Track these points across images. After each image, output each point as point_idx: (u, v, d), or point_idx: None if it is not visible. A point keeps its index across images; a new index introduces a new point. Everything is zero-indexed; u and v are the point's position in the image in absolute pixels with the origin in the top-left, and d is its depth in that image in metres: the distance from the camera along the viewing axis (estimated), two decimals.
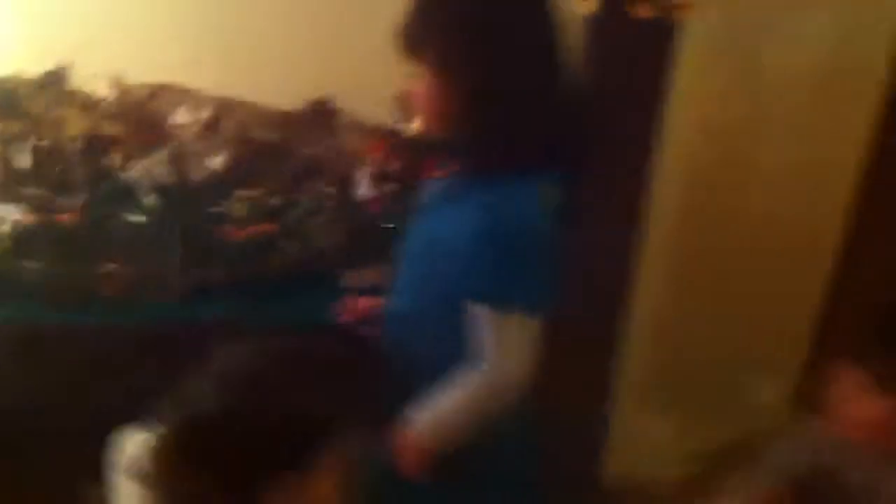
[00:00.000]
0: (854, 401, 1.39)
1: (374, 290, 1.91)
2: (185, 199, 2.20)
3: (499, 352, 1.47)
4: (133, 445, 1.22)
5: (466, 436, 1.52)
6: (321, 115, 2.40)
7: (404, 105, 2.14)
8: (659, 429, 2.22)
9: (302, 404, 1.14)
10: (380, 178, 2.22)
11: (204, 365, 1.16)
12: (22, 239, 2.00)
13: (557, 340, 1.75)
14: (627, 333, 2.10)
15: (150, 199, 2.18)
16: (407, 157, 2.24)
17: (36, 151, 2.26)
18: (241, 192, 2.22)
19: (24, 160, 2.25)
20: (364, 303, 1.93)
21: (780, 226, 2.17)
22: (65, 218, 2.07)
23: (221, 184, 2.26)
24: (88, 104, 2.38)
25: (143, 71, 2.39)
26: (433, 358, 1.55)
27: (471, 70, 1.42)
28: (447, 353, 1.52)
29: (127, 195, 2.21)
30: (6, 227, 2.01)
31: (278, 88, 2.40)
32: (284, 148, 2.37)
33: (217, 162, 2.27)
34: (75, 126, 2.33)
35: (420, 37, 1.45)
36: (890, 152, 2.09)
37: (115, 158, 2.30)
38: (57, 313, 1.88)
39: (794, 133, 2.10)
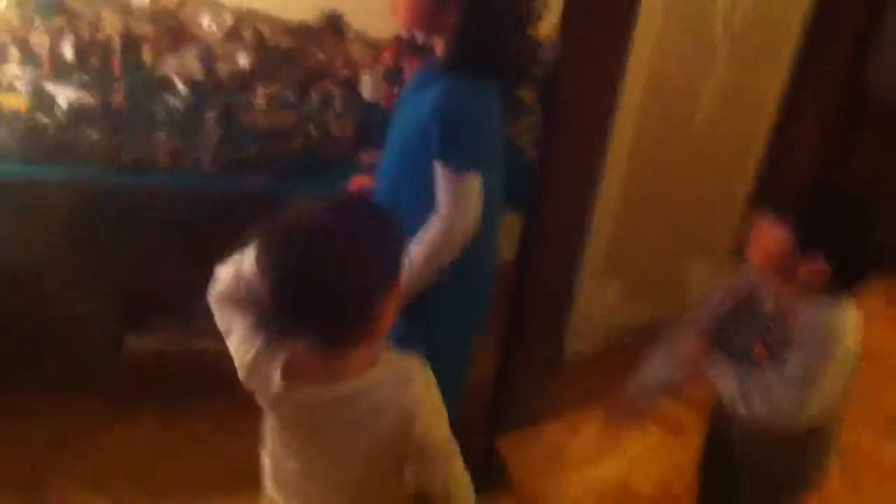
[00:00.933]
0: (759, 236, 1.70)
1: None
2: (213, 90, 2.52)
3: (450, 202, 1.85)
4: (226, 275, 1.47)
5: (429, 279, 1.90)
6: (332, 26, 2.73)
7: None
8: (614, 302, 2.63)
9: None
10: (386, 77, 2.57)
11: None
12: (76, 113, 2.30)
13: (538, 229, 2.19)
14: (595, 224, 2.48)
15: (183, 90, 2.49)
16: (407, 60, 2.59)
17: (77, 45, 2.55)
18: (262, 88, 2.55)
19: (67, 52, 2.54)
20: (365, 179, 2.28)
21: (716, 140, 2.57)
22: (112, 99, 2.38)
23: (244, 80, 2.58)
24: (123, 7, 2.67)
25: None
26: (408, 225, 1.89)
27: None
28: (419, 220, 1.90)
29: (161, 86, 2.52)
30: (62, 102, 2.32)
31: (294, 2, 2.73)
32: (299, 53, 2.70)
33: (241, 60, 2.59)
34: (111, 25, 2.62)
35: None
36: (803, 79, 2.52)
37: (148, 54, 2.60)
38: (114, 175, 2.20)
39: (729, 66, 2.49)
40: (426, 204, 1.89)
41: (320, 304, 1.29)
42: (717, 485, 2.09)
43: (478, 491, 2.39)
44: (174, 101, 2.43)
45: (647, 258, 2.62)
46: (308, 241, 1.27)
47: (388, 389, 1.41)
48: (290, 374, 1.39)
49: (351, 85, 2.64)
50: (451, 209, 1.86)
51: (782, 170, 2.68)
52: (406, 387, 1.41)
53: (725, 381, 1.77)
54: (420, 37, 2.05)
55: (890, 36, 3.27)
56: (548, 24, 2.41)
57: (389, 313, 1.38)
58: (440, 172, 1.85)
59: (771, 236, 1.67)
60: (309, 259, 1.26)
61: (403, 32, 2.56)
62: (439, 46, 1.93)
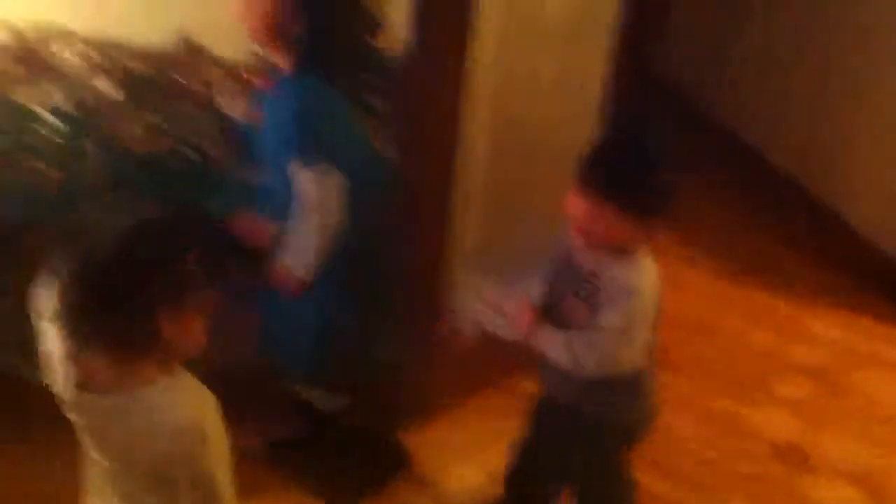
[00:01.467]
0: (571, 205, 1.89)
1: None
2: (84, 121, 2.53)
3: (310, 195, 2.09)
4: (47, 293, 1.45)
5: (317, 259, 2.16)
6: (189, 51, 2.80)
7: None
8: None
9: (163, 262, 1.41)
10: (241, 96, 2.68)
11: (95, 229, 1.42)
12: None
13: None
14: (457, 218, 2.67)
15: (52, 123, 2.49)
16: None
17: None
18: (133, 114, 2.58)
19: None
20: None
21: (557, 125, 2.83)
22: None
23: (113, 109, 2.60)
24: None
25: (26, 15, 2.68)
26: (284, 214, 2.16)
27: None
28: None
29: (28, 119, 2.51)
30: None
31: (149, 29, 2.77)
32: (160, 80, 2.75)
33: (110, 89, 2.61)
34: None
35: None
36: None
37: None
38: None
39: (562, 51, 2.76)
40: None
41: (100, 308, 1.38)
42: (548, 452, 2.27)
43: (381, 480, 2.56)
44: (48, 134, 2.44)
45: (513, 252, 2.84)
46: (97, 250, 1.37)
47: (167, 410, 1.45)
48: (81, 379, 1.45)
49: (214, 106, 2.72)
50: (312, 200, 2.10)
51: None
52: (186, 411, 1.46)
53: (552, 346, 1.98)
54: (266, 52, 2.23)
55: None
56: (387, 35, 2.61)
57: (183, 333, 1.44)
58: (297, 168, 2.08)
59: (588, 209, 1.86)
60: (94, 265, 1.37)
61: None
62: (282, 57, 2.13)
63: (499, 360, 2.94)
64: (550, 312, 2.03)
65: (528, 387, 2.94)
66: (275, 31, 2.08)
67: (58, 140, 2.44)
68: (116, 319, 1.38)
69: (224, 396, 1.52)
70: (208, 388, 1.51)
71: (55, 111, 2.51)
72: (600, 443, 2.13)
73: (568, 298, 1.99)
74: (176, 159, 2.46)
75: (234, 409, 1.53)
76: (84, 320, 1.39)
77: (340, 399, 2.54)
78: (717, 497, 2.73)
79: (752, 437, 2.97)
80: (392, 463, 2.63)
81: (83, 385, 1.45)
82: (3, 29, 2.64)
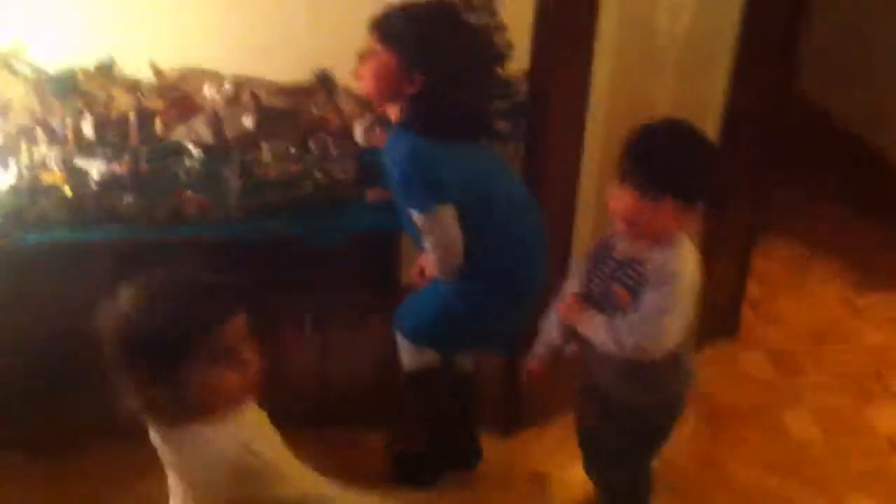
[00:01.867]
0: (612, 198, 1.98)
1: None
2: (224, 150, 2.79)
3: (426, 237, 2.25)
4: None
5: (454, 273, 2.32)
6: (322, 84, 3.02)
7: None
8: None
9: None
10: (378, 124, 2.86)
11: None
12: (107, 181, 2.56)
13: None
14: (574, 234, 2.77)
15: (196, 153, 2.76)
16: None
17: (96, 124, 2.82)
18: (266, 145, 2.82)
19: (88, 130, 2.80)
20: None
21: None
22: (136, 166, 2.64)
23: (249, 139, 2.85)
24: (132, 85, 2.94)
25: (173, 58, 2.97)
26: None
27: (414, 66, 2.16)
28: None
29: (176, 151, 2.79)
30: (94, 175, 2.58)
31: (284, 65, 3.02)
32: (294, 111, 2.98)
33: (245, 122, 2.87)
34: (124, 102, 2.89)
35: (390, 29, 2.18)
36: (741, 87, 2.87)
37: (159, 125, 2.87)
38: (150, 232, 2.46)
39: (676, 76, 2.81)
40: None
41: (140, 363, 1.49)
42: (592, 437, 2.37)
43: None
44: (191, 163, 2.70)
45: None
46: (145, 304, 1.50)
47: (213, 444, 1.53)
48: (147, 408, 1.52)
49: (345, 134, 2.92)
50: (431, 243, 2.25)
51: (735, 170, 3.00)
52: (231, 445, 1.53)
53: (596, 329, 2.04)
54: (377, 103, 2.41)
55: (817, 44, 3.66)
56: (518, 60, 2.73)
57: (223, 384, 1.49)
58: (413, 216, 2.23)
59: (618, 197, 1.96)
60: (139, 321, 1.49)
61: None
62: (393, 112, 2.28)
63: None
64: (594, 301, 2.10)
65: None
66: (389, 92, 2.24)
67: (200, 170, 2.69)
68: (156, 375, 1.47)
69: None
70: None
71: (198, 143, 2.78)
72: (636, 424, 2.21)
73: (611, 287, 2.05)
74: (305, 183, 2.65)
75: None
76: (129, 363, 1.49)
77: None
78: (833, 493, 2.69)
79: (869, 433, 2.91)
80: (464, 458, 2.75)
81: (151, 415, 1.56)
82: (151, 69, 2.93)
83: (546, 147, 2.56)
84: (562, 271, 2.71)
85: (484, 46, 2.59)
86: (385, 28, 2.19)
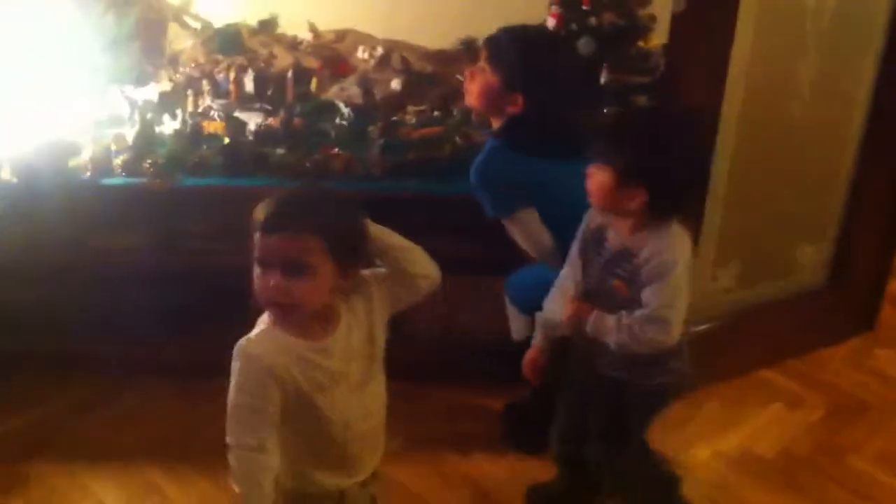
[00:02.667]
0: (591, 178, 1.92)
1: None
2: (371, 110, 2.93)
3: (514, 235, 2.32)
4: None
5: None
6: (467, 51, 3.11)
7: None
8: (728, 286, 2.90)
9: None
10: None
11: None
12: (263, 134, 2.74)
13: None
14: (706, 212, 2.76)
15: (346, 112, 2.91)
16: None
17: (256, 79, 3.00)
18: (412, 107, 2.95)
19: (249, 85, 2.99)
20: None
21: (814, 130, 2.82)
22: (294, 123, 2.81)
23: (396, 100, 2.98)
24: (291, 44, 3.11)
25: (330, 20, 3.13)
26: None
27: (515, 88, 2.22)
28: None
29: (328, 109, 2.95)
30: (251, 126, 2.76)
31: (433, 31, 3.13)
32: (440, 75, 3.09)
33: (393, 84, 2.99)
34: (283, 60, 3.07)
35: (496, 50, 2.27)
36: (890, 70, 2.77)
37: (314, 84, 3.04)
38: (299, 181, 2.61)
39: (819, 60, 2.74)
40: None
41: None
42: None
43: None
44: (341, 121, 2.85)
45: (756, 244, 2.88)
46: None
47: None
48: None
49: None
50: (519, 240, 2.33)
51: (878, 158, 2.92)
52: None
53: (608, 331, 1.98)
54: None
55: None
56: (658, 34, 2.74)
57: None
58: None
59: (598, 178, 1.90)
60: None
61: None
62: (496, 123, 2.35)
63: (743, 349, 3.01)
64: (592, 298, 2.07)
65: (770, 378, 3.03)
66: (493, 107, 2.32)
67: (349, 128, 2.83)
68: None
69: None
70: None
71: (348, 102, 2.92)
72: (641, 407, 2.19)
73: (608, 281, 2.02)
74: (445, 145, 2.75)
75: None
76: None
77: None
78: None
79: None
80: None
81: None
82: (307, 29, 3.09)
83: None
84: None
85: (586, 74, 2.62)
86: (492, 48, 2.29)
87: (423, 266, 1.73)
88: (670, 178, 1.88)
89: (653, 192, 1.86)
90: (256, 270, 1.57)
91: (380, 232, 1.68)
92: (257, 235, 1.56)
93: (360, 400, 1.72)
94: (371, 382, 1.73)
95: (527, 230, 2.31)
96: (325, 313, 1.63)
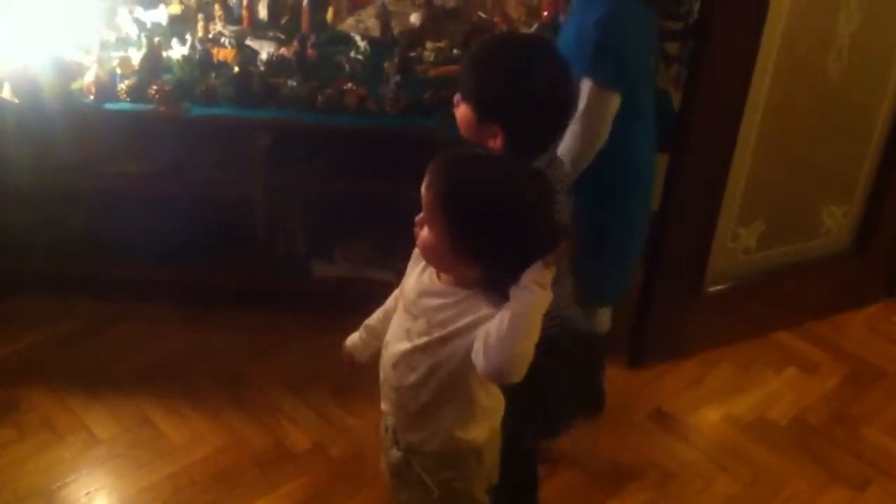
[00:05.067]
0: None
1: None
2: (389, 45, 2.81)
3: (586, 111, 2.08)
4: None
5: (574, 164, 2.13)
6: None
7: None
8: (750, 245, 2.81)
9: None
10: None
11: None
12: (276, 64, 2.63)
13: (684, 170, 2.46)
14: (732, 168, 2.65)
15: (362, 45, 2.79)
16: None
17: (270, 6, 2.88)
18: (430, 44, 2.82)
19: (262, 12, 2.88)
20: None
21: (850, 87, 2.69)
22: (308, 54, 2.69)
23: (415, 36, 2.86)
24: None
25: None
26: None
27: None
28: None
29: (343, 41, 2.83)
30: (263, 56, 2.65)
31: None
32: (462, 11, 2.96)
33: (412, 18, 2.87)
34: None
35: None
36: None
37: (331, 14, 2.91)
38: (310, 116, 2.52)
39: (860, 14, 2.61)
40: None
41: None
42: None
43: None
44: (356, 54, 2.73)
45: (782, 203, 2.77)
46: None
47: None
48: None
49: None
50: (583, 116, 2.08)
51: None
52: None
53: None
54: None
55: None
56: None
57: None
58: (586, 84, 2.08)
59: (461, 110, 1.77)
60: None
61: None
62: None
63: (760, 310, 2.92)
64: None
65: (786, 341, 2.95)
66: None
67: (364, 62, 2.71)
68: None
69: None
70: None
71: (364, 35, 2.80)
72: None
73: None
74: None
75: None
76: None
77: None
78: None
79: None
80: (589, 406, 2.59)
81: None
82: None
83: (710, 76, 2.43)
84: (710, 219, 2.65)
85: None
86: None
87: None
88: (526, 120, 1.71)
89: (509, 131, 1.70)
90: None
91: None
92: None
93: (397, 349, 1.65)
94: (414, 359, 1.61)
95: (605, 114, 2.11)
96: None
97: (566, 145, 2.10)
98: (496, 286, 1.49)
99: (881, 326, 3.10)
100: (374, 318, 1.83)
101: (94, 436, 2.41)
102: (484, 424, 1.68)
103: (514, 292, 1.45)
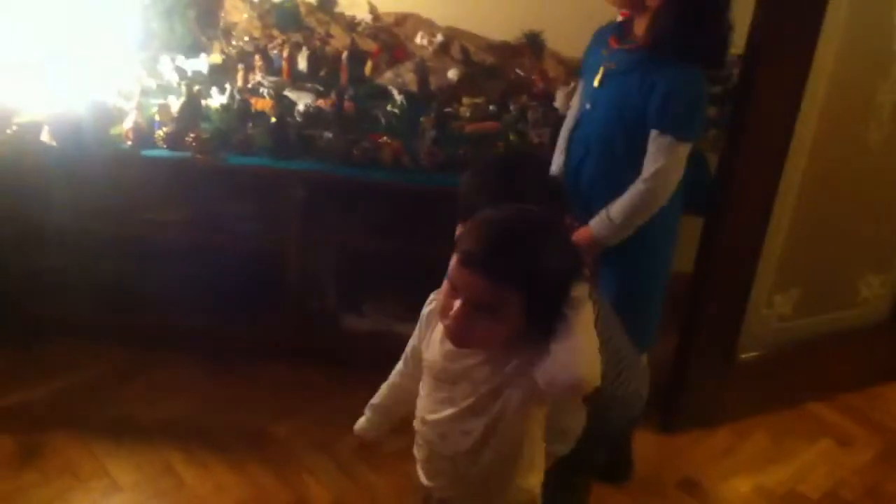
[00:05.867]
0: None
1: None
2: (426, 100, 2.81)
3: (661, 167, 2.15)
4: None
5: (626, 232, 2.20)
6: (530, 45, 2.98)
7: None
8: (786, 313, 2.76)
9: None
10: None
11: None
12: (313, 116, 2.64)
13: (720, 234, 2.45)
14: (769, 234, 2.61)
15: (399, 99, 2.80)
16: None
17: (310, 58, 2.91)
18: (467, 100, 2.83)
19: (302, 63, 2.90)
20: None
21: (890, 156, 2.66)
22: (342, 105, 2.70)
23: (452, 91, 2.86)
24: (349, 23, 3.01)
25: (392, 2, 3.02)
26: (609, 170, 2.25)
27: None
28: (620, 169, 2.21)
29: (381, 95, 2.84)
30: (301, 107, 2.66)
31: (496, 22, 3.00)
32: (500, 68, 2.97)
33: (450, 74, 2.88)
34: (339, 40, 2.97)
35: None
36: None
37: (369, 67, 2.93)
38: (346, 169, 2.52)
39: None
40: (635, 164, 2.19)
41: None
42: None
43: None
44: (393, 108, 2.74)
45: (819, 271, 2.73)
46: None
47: None
48: None
49: (547, 98, 2.87)
50: (661, 173, 2.16)
51: None
52: None
53: None
54: (625, 15, 2.28)
55: None
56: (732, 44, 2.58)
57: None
58: (657, 140, 2.14)
59: None
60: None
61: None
62: (640, 26, 2.18)
63: (795, 379, 2.86)
64: None
65: (820, 412, 2.88)
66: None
67: (400, 117, 2.72)
68: None
69: None
70: None
71: (402, 89, 2.81)
72: None
73: None
74: (499, 142, 2.63)
75: None
76: None
77: None
78: None
79: None
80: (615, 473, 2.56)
81: None
82: (366, 10, 2.98)
83: (749, 141, 2.41)
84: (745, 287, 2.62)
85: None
86: None
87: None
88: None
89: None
90: (446, 284, 1.46)
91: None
92: (455, 256, 1.43)
93: (439, 417, 1.60)
94: (467, 422, 1.56)
95: (680, 163, 2.19)
96: None
97: (632, 205, 2.18)
98: (540, 332, 1.44)
99: None
100: (380, 395, 1.81)
101: (116, 483, 2.39)
102: (539, 472, 1.65)
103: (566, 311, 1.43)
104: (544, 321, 1.43)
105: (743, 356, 2.77)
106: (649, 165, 2.16)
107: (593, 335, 1.44)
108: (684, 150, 2.17)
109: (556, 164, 2.37)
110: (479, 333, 1.44)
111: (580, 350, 1.40)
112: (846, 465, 2.71)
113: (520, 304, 1.40)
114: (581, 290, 1.45)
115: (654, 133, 2.15)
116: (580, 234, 2.22)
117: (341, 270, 2.87)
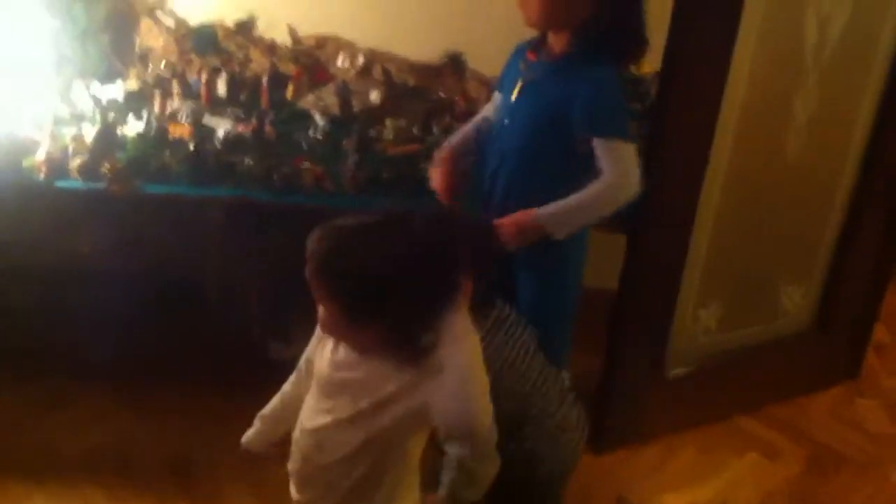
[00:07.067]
0: None
1: None
2: (348, 122, 2.79)
3: (617, 168, 2.15)
4: None
5: (575, 228, 2.21)
6: (452, 65, 2.98)
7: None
8: (710, 327, 2.79)
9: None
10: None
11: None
12: (232, 141, 2.59)
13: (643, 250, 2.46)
14: (691, 248, 2.64)
15: (321, 122, 2.77)
16: None
17: (229, 82, 2.86)
18: (390, 121, 2.81)
19: (221, 88, 2.85)
20: None
21: (808, 169, 2.71)
22: (262, 129, 2.66)
23: (375, 113, 2.84)
24: (269, 47, 2.97)
25: (311, 24, 2.99)
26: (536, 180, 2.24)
27: None
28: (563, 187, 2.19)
29: (302, 118, 2.81)
30: (220, 133, 2.61)
31: (418, 43, 2.99)
32: (422, 89, 2.96)
33: (372, 96, 2.86)
34: (259, 64, 2.93)
35: None
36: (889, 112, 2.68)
37: (290, 91, 2.89)
38: (266, 193, 2.47)
39: (818, 96, 2.63)
40: (572, 172, 2.19)
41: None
42: None
43: None
44: (315, 132, 2.71)
45: (741, 284, 2.77)
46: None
47: None
48: None
49: (470, 119, 2.87)
50: (619, 174, 2.15)
51: (872, 200, 2.81)
52: None
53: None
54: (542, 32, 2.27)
55: None
56: (650, 61, 2.61)
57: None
58: (604, 146, 2.14)
59: None
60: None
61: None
62: (559, 44, 2.19)
63: (720, 393, 2.89)
64: None
65: (747, 425, 2.91)
66: (560, 17, 2.15)
67: (322, 140, 2.69)
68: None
69: None
70: None
71: (324, 112, 2.78)
72: None
73: None
74: (422, 164, 2.61)
75: None
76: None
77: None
78: None
79: None
80: None
81: None
82: (286, 33, 2.95)
83: (669, 157, 2.43)
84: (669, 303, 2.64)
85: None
86: None
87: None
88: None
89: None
90: None
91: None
92: None
93: (318, 425, 1.62)
94: (345, 433, 1.59)
95: (633, 160, 2.18)
96: None
97: (596, 194, 2.17)
98: (403, 343, 1.50)
99: (843, 410, 3.07)
100: (271, 405, 1.85)
101: None
102: (414, 495, 1.66)
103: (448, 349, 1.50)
104: (404, 346, 1.51)
105: (671, 372, 2.78)
106: (612, 169, 2.15)
107: (477, 376, 1.51)
108: (632, 147, 2.18)
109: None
110: (342, 334, 1.58)
111: (464, 397, 1.50)
112: (774, 477, 2.74)
113: (340, 314, 1.52)
114: (463, 324, 1.46)
115: (597, 141, 2.14)
116: (520, 216, 2.21)
117: (264, 297, 2.81)
